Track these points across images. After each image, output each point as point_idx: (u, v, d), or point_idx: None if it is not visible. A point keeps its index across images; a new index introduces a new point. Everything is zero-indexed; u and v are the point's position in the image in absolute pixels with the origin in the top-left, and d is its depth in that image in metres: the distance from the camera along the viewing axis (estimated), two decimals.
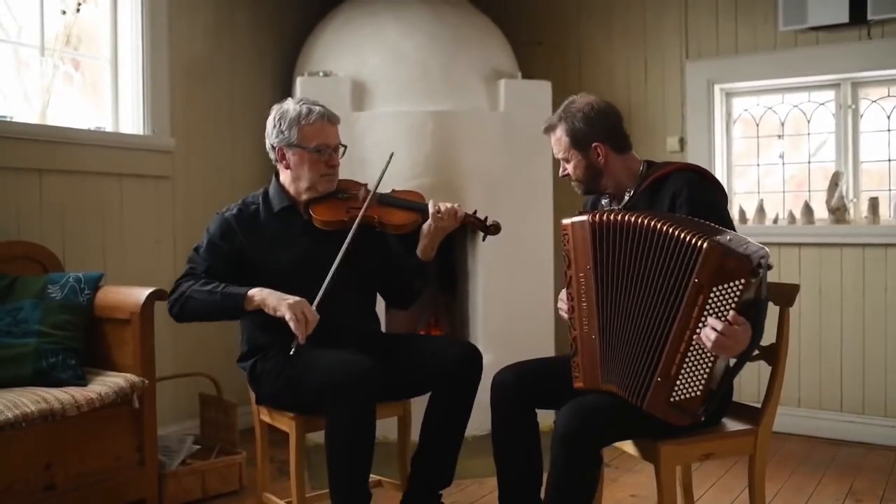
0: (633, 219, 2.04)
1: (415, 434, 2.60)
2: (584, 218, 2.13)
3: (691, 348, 1.94)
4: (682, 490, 2.46)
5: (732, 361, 2.04)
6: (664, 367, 1.97)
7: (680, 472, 2.45)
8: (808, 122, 4.12)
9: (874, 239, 3.83)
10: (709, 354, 1.94)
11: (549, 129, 2.36)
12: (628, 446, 2.22)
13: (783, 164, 4.21)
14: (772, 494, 3.10)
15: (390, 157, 2.59)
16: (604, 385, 2.11)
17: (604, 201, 2.40)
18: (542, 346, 3.96)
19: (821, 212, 4.02)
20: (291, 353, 2.27)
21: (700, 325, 1.92)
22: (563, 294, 2.28)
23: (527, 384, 2.31)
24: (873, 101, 3.95)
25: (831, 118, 4.04)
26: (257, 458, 2.67)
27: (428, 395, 2.56)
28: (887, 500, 3.10)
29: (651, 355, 2.00)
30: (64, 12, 3.37)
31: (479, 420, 2.47)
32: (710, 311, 1.90)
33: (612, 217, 2.08)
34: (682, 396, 1.98)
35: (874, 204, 3.86)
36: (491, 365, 2.52)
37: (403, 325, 4.12)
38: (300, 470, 2.45)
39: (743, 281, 1.87)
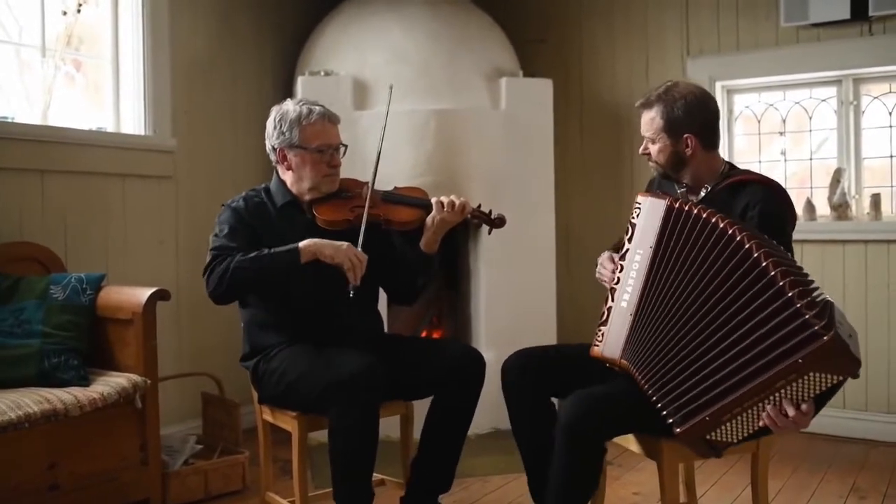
0: (726, 227, 1.94)
1: (417, 433, 2.60)
2: (663, 199, 2.09)
3: (754, 407, 1.87)
4: (684, 487, 2.46)
5: None
6: (718, 412, 1.89)
7: (682, 469, 2.44)
8: (810, 118, 4.12)
9: (876, 235, 3.82)
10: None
11: (646, 105, 2.27)
12: (631, 444, 2.21)
13: (785, 160, 4.20)
14: (774, 491, 3.10)
15: (391, 90, 2.59)
16: (621, 361, 2.09)
17: (679, 190, 2.32)
18: (545, 343, 3.94)
19: (823, 208, 4.02)
20: (351, 295, 2.33)
21: (777, 395, 1.83)
22: (605, 257, 2.25)
23: (537, 369, 2.30)
24: (875, 98, 3.95)
25: (833, 115, 4.04)
26: (260, 457, 2.68)
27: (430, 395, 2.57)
28: (890, 497, 3.09)
29: (705, 387, 1.91)
30: (65, 13, 3.37)
31: (482, 419, 2.47)
32: (793, 392, 1.82)
33: (695, 210, 2.02)
34: (719, 438, 1.94)
35: (876, 200, 3.86)
36: (494, 362, 2.52)
37: (406, 323, 4.12)
38: (303, 469, 2.45)
39: (841, 378, 1.80)
